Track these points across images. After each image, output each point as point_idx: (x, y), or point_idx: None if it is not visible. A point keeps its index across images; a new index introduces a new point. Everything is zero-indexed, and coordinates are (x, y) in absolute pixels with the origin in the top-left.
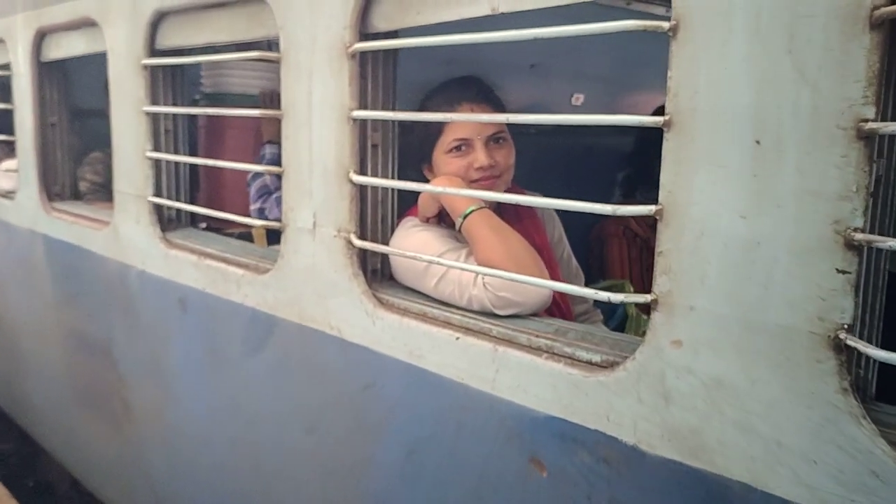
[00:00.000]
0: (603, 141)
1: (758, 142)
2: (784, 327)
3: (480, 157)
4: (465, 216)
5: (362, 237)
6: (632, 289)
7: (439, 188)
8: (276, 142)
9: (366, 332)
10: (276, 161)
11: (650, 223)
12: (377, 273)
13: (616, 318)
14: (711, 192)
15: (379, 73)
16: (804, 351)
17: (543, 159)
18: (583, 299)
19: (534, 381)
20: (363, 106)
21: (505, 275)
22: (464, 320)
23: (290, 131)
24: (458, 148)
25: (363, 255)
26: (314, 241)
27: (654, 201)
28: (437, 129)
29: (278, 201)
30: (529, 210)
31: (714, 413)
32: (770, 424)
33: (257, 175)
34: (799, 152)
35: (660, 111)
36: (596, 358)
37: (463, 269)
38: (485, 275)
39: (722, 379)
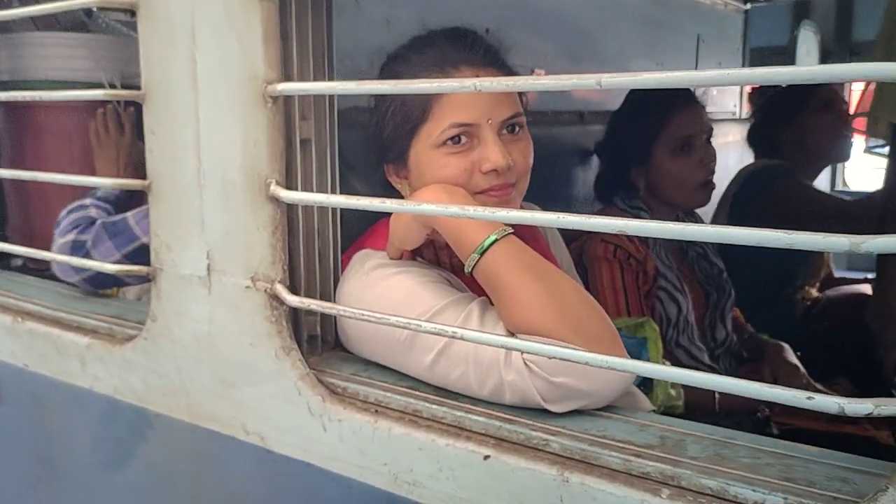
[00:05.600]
0: (567, 131)
1: None
2: None
3: (493, 153)
4: (484, 251)
5: (294, 288)
6: (655, 328)
7: (455, 207)
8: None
9: (310, 441)
10: (115, 200)
11: (642, 238)
12: (316, 341)
13: None
14: None
15: (308, 24)
16: None
17: None
18: None
19: None
20: (287, 76)
21: (566, 353)
22: (493, 425)
23: (160, 123)
24: (456, 139)
25: (295, 316)
26: (210, 296)
27: (640, 209)
28: (420, 109)
29: (113, 232)
30: (531, 230)
31: None
32: None
33: (79, 208)
34: None
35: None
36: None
37: (497, 345)
38: (528, 351)
39: None
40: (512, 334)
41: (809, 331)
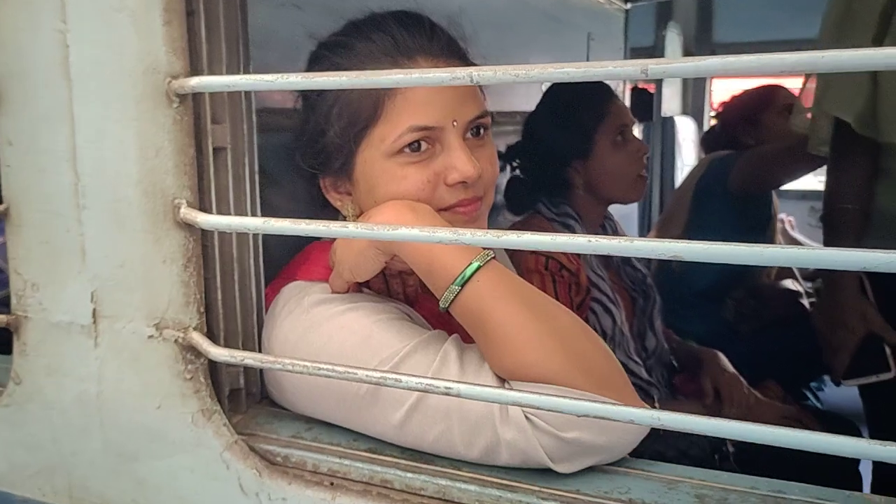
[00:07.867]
0: None
1: None
2: None
3: (460, 161)
4: (466, 281)
5: (213, 336)
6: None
7: (443, 232)
8: None
9: None
10: None
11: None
12: (240, 396)
13: None
14: None
15: (218, 4)
16: None
17: None
18: None
19: None
20: (195, 67)
21: (605, 410)
22: (490, 495)
23: (19, 129)
24: (415, 146)
25: (214, 368)
26: (98, 349)
27: (568, 216)
28: (371, 108)
29: None
30: None
31: None
32: None
33: None
34: None
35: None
36: None
37: (509, 402)
38: (527, 404)
39: None
40: (502, 380)
41: (739, 333)
